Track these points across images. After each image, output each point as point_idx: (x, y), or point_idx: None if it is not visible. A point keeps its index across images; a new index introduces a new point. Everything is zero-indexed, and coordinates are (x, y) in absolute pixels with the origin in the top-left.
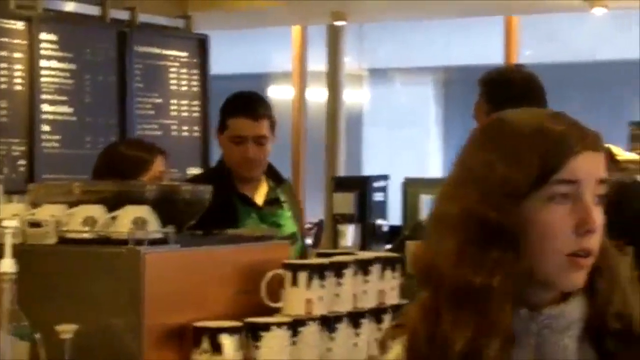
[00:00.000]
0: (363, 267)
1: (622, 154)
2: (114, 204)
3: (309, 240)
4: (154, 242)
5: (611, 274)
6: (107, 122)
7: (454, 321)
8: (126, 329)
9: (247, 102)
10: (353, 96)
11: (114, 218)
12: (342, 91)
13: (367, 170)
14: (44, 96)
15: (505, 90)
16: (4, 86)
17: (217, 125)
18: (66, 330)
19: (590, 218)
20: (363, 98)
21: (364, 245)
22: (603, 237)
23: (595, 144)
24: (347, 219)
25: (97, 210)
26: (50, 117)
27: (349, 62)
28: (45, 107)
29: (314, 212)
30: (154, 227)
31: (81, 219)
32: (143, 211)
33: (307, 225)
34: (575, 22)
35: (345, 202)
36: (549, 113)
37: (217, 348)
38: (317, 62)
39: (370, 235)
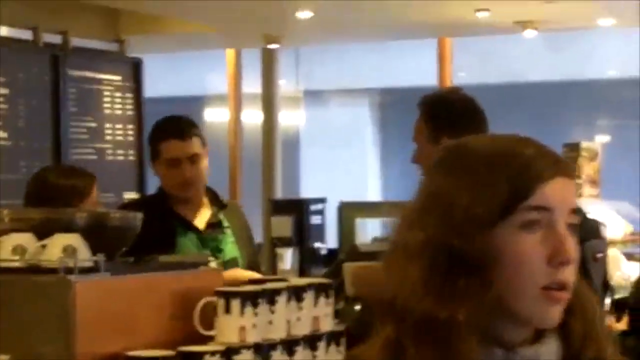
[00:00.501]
0: (296, 293)
1: None
2: (43, 231)
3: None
4: (84, 271)
5: (584, 313)
6: (42, 147)
7: (417, 356)
8: (57, 358)
9: (174, 124)
10: (290, 118)
11: (43, 246)
12: (278, 113)
13: (305, 192)
14: None
15: (445, 112)
16: None
17: (149, 156)
18: None
19: (564, 248)
20: (300, 120)
21: (302, 268)
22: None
23: (568, 170)
24: (285, 242)
25: (26, 239)
26: None
27: (285, 84)
28: None
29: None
30: (84, 255)
31: (11, 247)
32: (73, 239)
33: None
34: (507, 44)
35: (283, 225)
36: (516, 137)
37: None
38: (253, 84)
39: (308, 259)
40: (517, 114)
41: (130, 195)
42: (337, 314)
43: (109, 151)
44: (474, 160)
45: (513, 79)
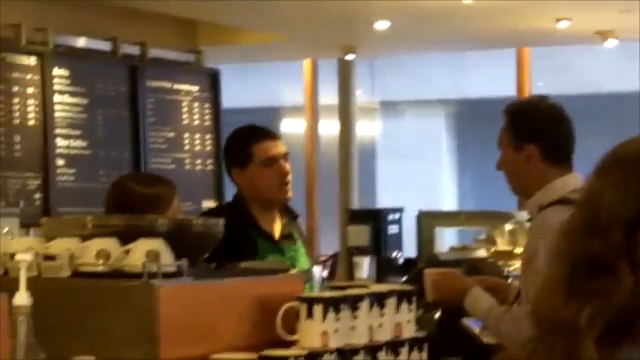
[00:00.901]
0: (378, 299)
1: None
2: (126, 237)
3: (324, 273)
4: (167, 275)
5: None
6: (121, 156)
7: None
8: None
9: (261, 127)
10: (365, 129)
11: (127, 251)
12: (355, 124)
13: (381, 202)
14: (57, 130)
15: (530, 120)
16: (17, 121)
17: (231, 164)
18: None
19: None
20: (375, 130)
21: (379, 277)
22: None
23: None
24: (362, 251)
25: (110, 244)
26: (65, 151)
27: (361, 95)
28: (59, 142)
29: (329, 245)
30: (167, 260)
31: (94, 252)
32: (156, 244)
33: (322, 258)
34: (585, 54)
35: (360, 234)
36: None
37: None
38: (329, 95)
39: (385, 268)
40: (596, 125)
41: (209, 204)
42: (417, 321)
43: (187, 161)
44: (624, 162)
45: (591, 89)
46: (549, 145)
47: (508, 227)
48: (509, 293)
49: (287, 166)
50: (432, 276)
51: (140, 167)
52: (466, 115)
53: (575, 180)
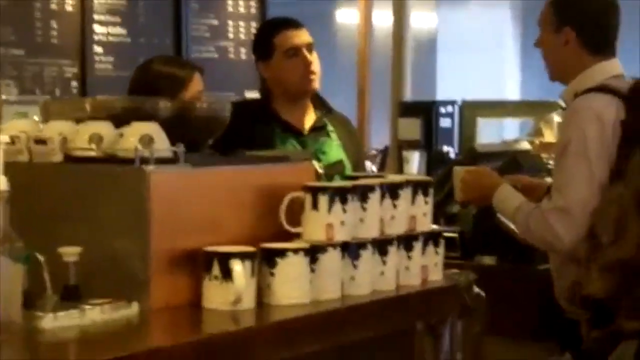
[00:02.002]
0: (391, 190)
1: None
2: (124, 121)
3: (374, 168)
4: (162, 161)
5: None
6: (162, 44)
7: None
8: (132, 253)
9: (284, 18)
10: (423, 20)
11: (121, 135)
12: (409, 14)
13: (442, 96)
14: (96, 17)
15: (574, 2)
16: (54, 7)
17: (257, 57)
18: (70, 252)
19: None
20: (434, 22)
21: (429, 172)
22: None
23: None
24: (412, 145)
25: (104, 127)
26: (103, 38)
27: None
28: (97, 28)
29: (380, 139)
30: (162, 144)
31: (87, 136)
32: (151, 128)
33: (372, 152)
34: None
35: (411, 128)
36: None
37: (228, 274)
38: None
39: (436, 162)
40: None
41: (252, 95)
42: (455, 218)
43: (231, 49)
44: None
45: None
46: (588, 32)
47: (556, 118)
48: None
49: (312, 56)
50: (460, 174)
51: (181, 55)
52: (533, 6)
53: (614, 67)
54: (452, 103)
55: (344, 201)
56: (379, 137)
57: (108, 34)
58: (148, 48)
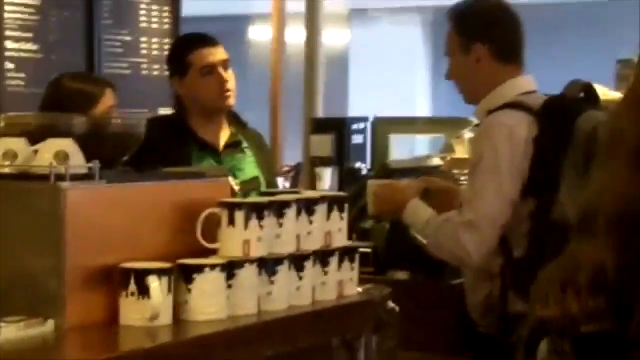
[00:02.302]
0: (307, 206)
1: (608, 93)
2: (39, 137)
3: (286, 184)
4: (77, 178)
5: None
6: (75, 61)
7: None
8: (48, 270)
9: (200, 35)
10: (336, 37)
11: (36, 152)
12: (321, 32)
13: (354, 112)
14: (8, 33)
15: (476, 18)
16: None
17: (172, 73)
18: None
19: None
20: (346, 39)
21: (342, 188)
22: None
23: None
24: (325, 162)
25: (18, 144)
26: (15, 54)
27: (330, 3)
28: (9, 44)
29: (292, 155)
30: (77, 161)
31: (1, 153)
32: (66, 144)
33: (285, 169)
34: None
35: (323, 144)
36: None
37: (145, 291)
38: (297, 3)
39: (348, 179)
40: (567, 31)
41: (165, 111)
42: (368, 233)
43: (144, 66)
44: None
45: None
46: (497, 43)
47: (468, 134)
48: (459, 199)
49: (228, 74)
50: (373, 188)
51: (94, 72)
52: (444, 22)
53: (527, 83)
54: (364, 120)
55: (260, 217)
56: (291, 154)
57: (20, 50)
58: (60, 64)
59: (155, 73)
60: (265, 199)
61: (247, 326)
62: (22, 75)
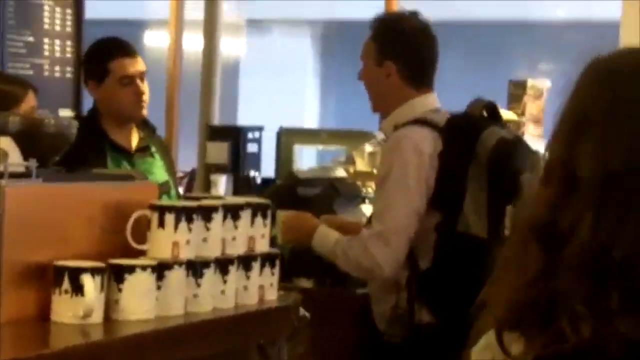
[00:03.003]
0: (233, 212)
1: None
2: None
3: (180, 190)
4: (15, 176)
5: None
6: None
7: None
8: None
9: (121, 43)
10: (230, 46)
11: None
12: (219, 40)
13: (243, 120)
14: None
15: (394, 38)
16: None
17: (88, 77)
18: None
19: None
20: (240, 48)
21: (235, 195)
22: None
23: None
24: (220, 169)
25: None
26: None
27: (227, 12)
28: None
29: (187, 161)
30: (15, 159)
31: None
32: (5, 142)
33: (180, 174)
34: None
35: (219, 151)
36: None
37: (78, 289)
38: (195, 10)
39: (243, 186)
40: (463, 53)
41: (66, 113)
42: (273, 240)
43: (47, 67)
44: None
45: (458, 16)
46: (408, 65)
47: (368, 148)
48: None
49: (144, 85)
50: (281, 217)
51: None
52: (333, 36)
53: (432, 101)
54: (259, 129)
55: (189, 220)
56: (186, 160)
57: None
58: None
59: (57, 75)
60: (194, 203)
61: (174, 327)
62: None
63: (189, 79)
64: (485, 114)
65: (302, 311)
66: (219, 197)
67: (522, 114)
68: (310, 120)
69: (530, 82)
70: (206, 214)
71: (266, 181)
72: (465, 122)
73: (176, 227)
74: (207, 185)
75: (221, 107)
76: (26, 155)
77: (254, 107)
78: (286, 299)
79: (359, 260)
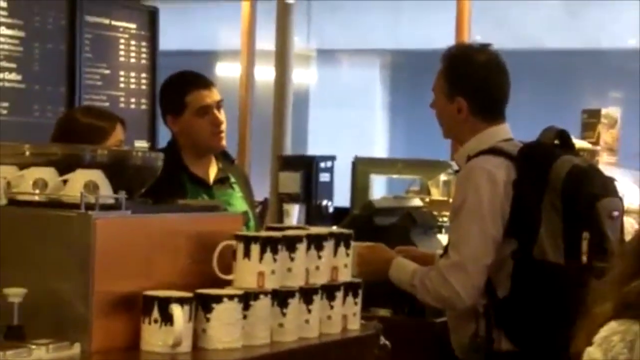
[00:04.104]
0: (317, 242)
1: (576, 142)
2: (64, 167)
3: None
4: (105, 207)
5: None
6: (56, 91)
7: None
8: (75, 295)
9: (195, 75)
10: (300, 76)
11: (65, 181)
12: (291, 70)
13: (312, 150)
14: None
15: (464, 73)
16: None
17: (166, 111)
18: (14, 294)
19: None
20: (310, 78)
21: (308, 224)
22: None
23: None
24: (292, 198)
25: (48, 173)
26: None
27: (297, 42)
28: None
29: (260, 191)
30: (105, 192)
31: (31, 181)
32: (95, 175)
33: None
34: (525, 9)
35: (291, 181)
36: None
37: (167, 318)
38: (266, 41)
39: (315, 216)
40: (533, 81)
41: (142, 144)
42: None
43: (122, 99)
44: None
45: (530, 44)
46: (479, 100)
47: (443, 177)
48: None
49: (221, 115)
50: (357, 249)
51: (74, 103)
52: (401, 66)
53: (504, 131)
54: (332, 158)
55: (274, 251)
56: (258, 189)
57: (3, 79)
58: (42, 94)
59: (133, 106)
60: (279, 234)
61: (260, 356)
62: (5, 104)
63: (261, 109)
64: (557, 142)
65: (382, 340)
66: (302, 228)
67: (597, 142)
68: (379, 149)
69: (604, 111)
70: (290, 244)
71: (339, 210)
72: (538, 150)
73: (261, 257)
74: (280, 215)
75: (292, 137)
76: (114, 187)
77: (323, 136)
78: (368, 328)
79: (438, 291)
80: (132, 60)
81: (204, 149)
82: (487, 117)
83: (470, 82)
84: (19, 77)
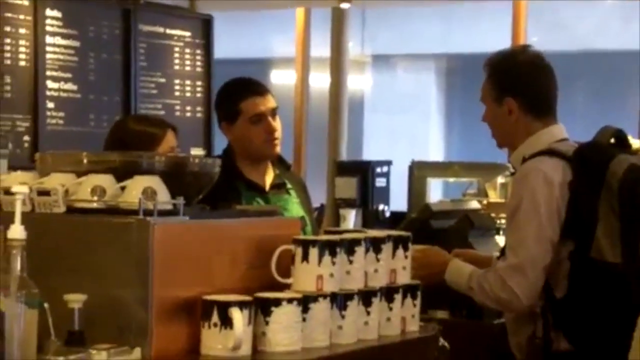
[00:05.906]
0: (375, 244)
1: (633, 140)
2: (122, 174)
3: None
4: (163, 213)
5: None
6: (111, 100)
7: None
8: (135, 300)
9: (250, 82)
10: (355, 82)
11: (123, 188)
12: (346, 77)
13: (368, 155)
14: (48, 72)
15: (510, 73)
16: (8, 62)
17: (221, 119)
18: (75, 299)
19: None
20: (365, 84)
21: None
22: None
23: None
24: (349, 203)
25: (106, 180)
26: (55, 93)
27: (352, 48)
28: (50, 84)
29: (316, 197)
30: (163, 198)
31: (90, 188)
32: (153, 181)
33: None
34: (582, 11)
35: (348, 186)
36: None
37: (227, 322)
38: (320, 47)
39: (371, 220)
40: (589, 82)
41: (198, 152)
42: None
43: (177, 107)
44: None
45: (586, 46)
46: (528, 98)
47: (500, 179)
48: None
49: (276, 122)
50: (413, 253)
51: (130, 112)
52: (456, 70)
53: (559, 132)
54: (388, 163)
55: (333, 254)
56: (314, 195)
57: (59, 89)
58: (98, 104)
59: (188, 114)
60: (337, 237)
61: (320, 358)
62: (61, 114)
63: (316, 116)
64: (614, 141)
65: (441, 342)
66: (360, 231)
67: None
68: (435, 153)
69: None
70: (349, 247)
71: (395, 214)
72: (594, 150)
73: (320, 260)
74: (337, 220)
75: (347, 143)
76: (172, 194)
77: (379, 141)
78: (427, 330)
79: (497, 293)
80: (187, 68)
81: (258, 156)
82: (539, 115)
83: (516, 80)
84: (74, 87)
